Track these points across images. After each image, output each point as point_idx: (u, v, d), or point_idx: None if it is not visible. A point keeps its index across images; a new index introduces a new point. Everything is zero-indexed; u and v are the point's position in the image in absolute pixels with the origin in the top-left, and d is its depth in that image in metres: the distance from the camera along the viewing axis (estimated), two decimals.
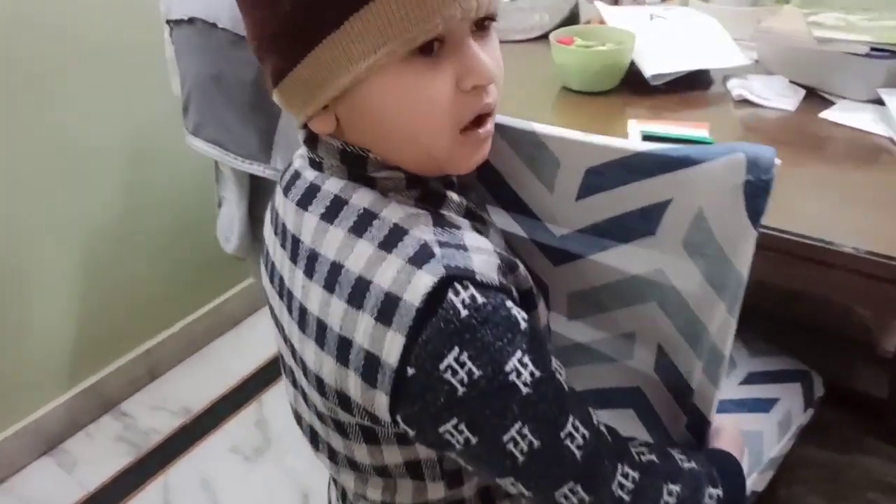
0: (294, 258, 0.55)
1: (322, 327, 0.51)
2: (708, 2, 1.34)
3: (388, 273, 0.47)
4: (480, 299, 0.45)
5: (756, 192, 0.47)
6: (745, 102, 1.09)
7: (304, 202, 0.55)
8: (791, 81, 1.09)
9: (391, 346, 0.45)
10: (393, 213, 0.50)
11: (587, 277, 0.62)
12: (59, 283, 1.50)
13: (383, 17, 0.45)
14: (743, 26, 1.23)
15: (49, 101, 1.37)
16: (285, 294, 0.56)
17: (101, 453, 1.55)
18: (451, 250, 0.48)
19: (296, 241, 0.55)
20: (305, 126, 0.54)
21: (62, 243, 1.48)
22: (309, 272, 0.52)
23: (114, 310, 1.61)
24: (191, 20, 0.98)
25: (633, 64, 1.16)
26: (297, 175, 0.58)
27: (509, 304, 0.47)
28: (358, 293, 0.48)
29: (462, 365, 0.44)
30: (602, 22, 1.26)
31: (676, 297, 0.57)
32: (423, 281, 0.45)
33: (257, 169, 1.04)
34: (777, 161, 0.47)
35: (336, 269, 0.50)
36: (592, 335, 0.67)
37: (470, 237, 0.51)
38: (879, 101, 0.94)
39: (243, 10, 0.51)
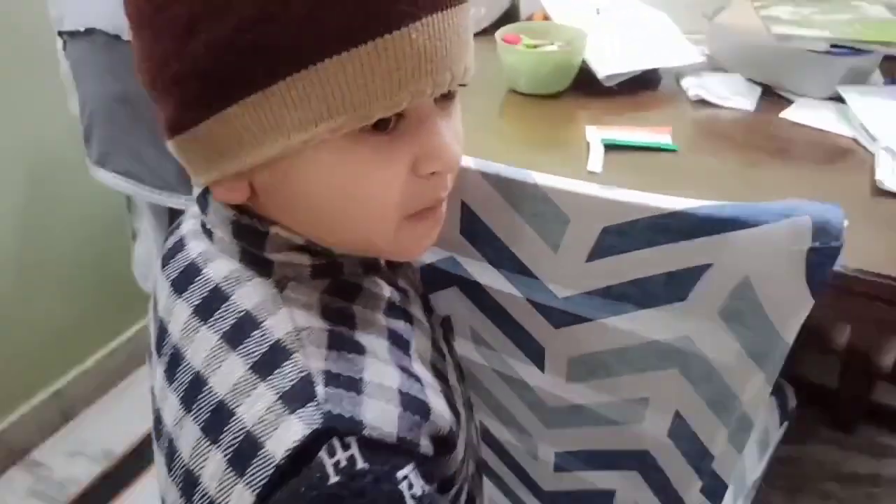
0: (159, 348, 0.46)
1: (172, 449, 0.42)
2: None
3: (255, 407, 0.38)
4: (360, 465, 0.36)
5: (822, 260, 0.40)
6: (703, 102, 1.06)
7: (180, 284, 0.45)
8: (747, 79, 1.07)
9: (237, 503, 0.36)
10: (279, 323, 0.40)
11: (593, 341, 0.56)
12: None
13: (333, 84, 0.35)
14: (689, 19, 1.19)
15: None
16: (156, 374, 0.46)
17: None
18: (338, 391, 0.38)
19: (163, 330, 0.45)
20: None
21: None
22: (169, 376, 0.43)
23: (16, 348, 1.45)
24: (88, 31, 0.83)
25: (583, 63, 1.11)
26: (180, 244, 0.48)
27: (401, 473, 0.37)
28: (216, 422, 0.39)
29: None
30: (546, 17, 1.19)
31: (704, 365, 0.51)
32: (293, 431, 0.36)
33: (177, 202, 0.91)
34: (846, 222, 0.41)
35: (198, 383, 0.41)
36: (595, 398, 0.61)
37: (372, 369, 0.41)
38: (839, 99, 0.93)
39: (134, 30, 0.39)
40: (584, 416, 0.63)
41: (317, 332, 0.41)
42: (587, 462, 0.68)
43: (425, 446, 0.40)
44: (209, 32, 0.35)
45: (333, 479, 0.35)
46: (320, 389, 0.37)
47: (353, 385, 0.39)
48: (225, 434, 0.38)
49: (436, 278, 0.61)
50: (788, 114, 0.96)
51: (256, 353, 0.39)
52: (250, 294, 0.42)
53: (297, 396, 0.37)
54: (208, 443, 0.38)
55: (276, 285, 0.43)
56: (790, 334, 0.45)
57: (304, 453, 0.36)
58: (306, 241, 0.44)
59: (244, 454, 0.37)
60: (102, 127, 0.91)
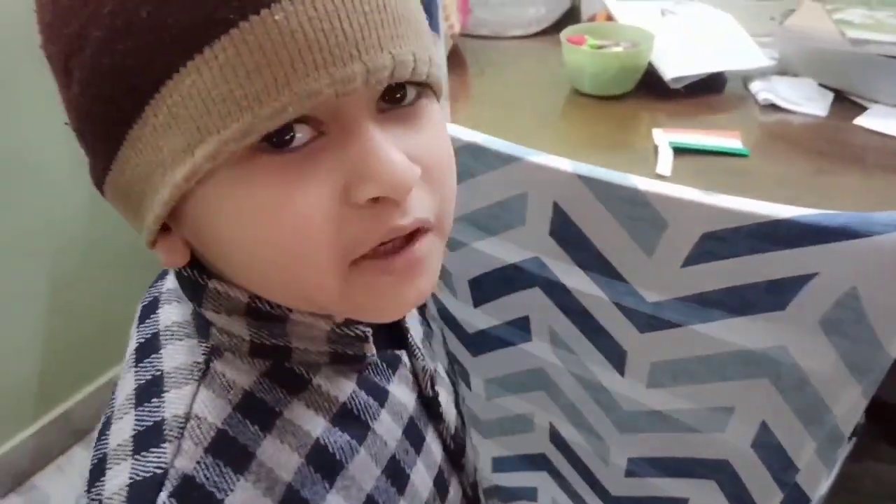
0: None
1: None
2: None
3: (113, 482, 0.33)
4: None
5: None
6: (772, 107, 1.04)
7: (144, 313, 0.40)
8: (819, 84, 1.04)
9: None
10: (176, 401, 0.34)
11: (680, 347, 0.55)
12: (24, 303, 1.38)
13: (194, 97, 0.28)
14: (756, 22, 1.18)
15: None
16: None
17: (74, 489, 1.43)
18: None
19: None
20: None
21: (28, 260, 1.36)
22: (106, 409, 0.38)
23: (81, 331, 1.49)
24: None
25: (649, 65, 1.10)
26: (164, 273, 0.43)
27: None
28: (93, 476, 0.34)
29: None
30: (610, 18, 1.18)
31: (797, 375, 0.50)
32: None
33: None
34: None
35: (105, 426, 0.36)
36: (676, 405, 0.60)
37: (241, 494, 0.33)
38: None
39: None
40: (662, 421, 0.63)
41: (206, 427, 0.34)
42: (661, 469, 0.67)
43: None
44: (78, 69, 0.30)
45: None
46: (163, 498, 0.31)
47: None
48: (91, 494, 0.34)
49: (518, 278, 0.61)
50: (862, 121, 0.94)
51: (143, 424, 0.34)
52: (174, 355, 0.36)
53: (141, 492, 0.32)
54: (84, 493, 0.34)
55: (207, 353, 0.36)
56: (894, 348, 0.44)
57: None
58: (250, 298, 0.36)
59: None
60: None
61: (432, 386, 0.46)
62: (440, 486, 0.46)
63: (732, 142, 0.95)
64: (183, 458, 0.33)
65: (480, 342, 0.74)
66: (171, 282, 0.41)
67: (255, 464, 0.34)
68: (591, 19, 1.27)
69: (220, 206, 0.31)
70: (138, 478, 0.32)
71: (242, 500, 0.33)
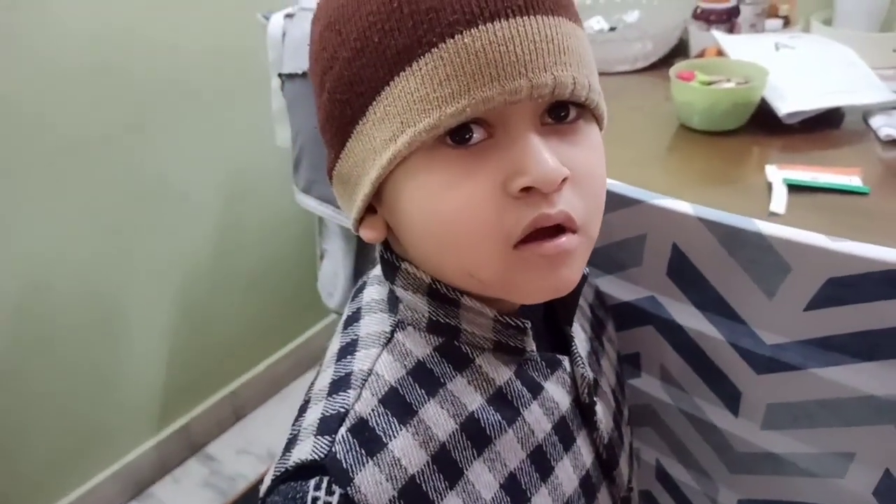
0: None
1: None
2: (832, 26, 1.25)
3: (311, 416, 0.42)
4: None
5: None
6: (894, 143, 1.00)
7: (354, 294, 0.50)
8: None
9: (264, 485, 0.41)
10: (364, 359, 0.43)
11: (799, 390, 0.55)
12: (151, 326, 1.49)
13: (402, 100, 0.37)
14: (877, 54, 1.14)
15: (149, 147, 1.36)
16: None
17: (188, 500, 1.52)
18: (355, 442, 0.39)
19: None
20: None
21: (156, 285, 1.47)
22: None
23: (202, 350, 1.59)
24: (305, 74, 0.92)
25: (762, 100, 1.08)
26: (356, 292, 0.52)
27: None
28: (300, 411, 0.44)
29: None
30: (720, 53, 1.18)
31: None
32: (305, 450, 0.39)
33: None
34: None
35: (316, 376, 0.46)
36: (792, 447, 0.60)
37: (403, 442, 0.40)
38: None
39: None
40: (776, 464, 0.62)
41: (382, 383, 0.42)
42: None
43: None
44: (329, 82, 0.40)
45: None
46: (342, 431, 0.39)
47: (373, 445, 0.39)
48: (296, 424, 0.43)
49: (632, 316, 0.63)
50: None
51: (338, 374, 0.43)
52: (369, 324, 0.46)
53: (327, 425, 0.40)
54: (292, 424, 0.43)
55: (394, 325, 0.45)
56: None
57: (306, 470, 0.38)
58: (432, 280, 0.44)
59: (287, 447, 0.41)
60: (311, 158, 1.00)
61: (589, 394, 0.51)
62: (587, 488, 0.50)
63: (852, 179, 0.93)
64: (362, 403, 0.41)
65: None
66: (368, 294, 0.49)
67: (416, 420, 0.41)
68: (700, 55, 1.27)
69: (408, 186, 0.40)
70: (327, 414, 0.41)
71: (402, 446, 0.40)
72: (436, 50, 0.36)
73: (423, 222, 0.40)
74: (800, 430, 0.58)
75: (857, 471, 0.57)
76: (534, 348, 0.47)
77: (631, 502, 0.57)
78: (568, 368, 0.50)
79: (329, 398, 0.42)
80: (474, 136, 0.38)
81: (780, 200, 0.90)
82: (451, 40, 0.36)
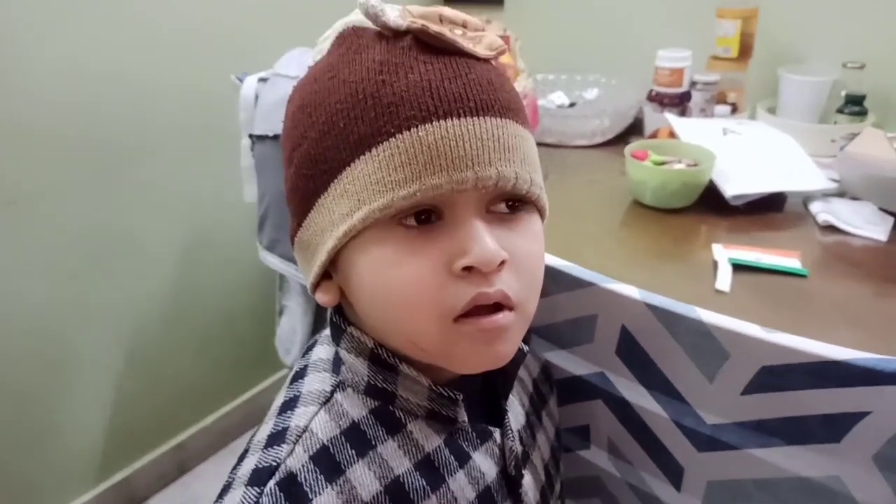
0: None
1: None
2: (776, 115, 1.33)
3: (246, 465, 0.44)
4: None
5: None
6: (832, 228, 1.06)
7: (305, 351, 0.53)
8: (879, 208, 1.07)
9: None
10: (302, 416, 0.46)
11: (737, 469, 0.58)
12: (99, 374, 1.45)
13: (360, 180, 0.41)
14: (816, 143, 1.22)
15: (111, 195, 1.36)
16: None
17: None
18: (282, 496, 0.42)
19: None
20: None
21: (108, 332, 1.44)
22: None
23: (150, 401, 1.56)
24: (276, 136, 0.95)
25: (709, 181, 1.14)
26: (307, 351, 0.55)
27: None
28: (239, 460, 0.46)
29: None
30: (672, 134, 1.25)
31: None
32: (234, 499, 0.42)
33: None
34: None
35: (258, 429, 0.48)
36: None
37: (326, 499, 0.42)
38: None
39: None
40: None
41: (315, 440, 0.44)
42: None
43: None
44: (297, 157, 0.44)
45: None
46: (271, 484, 0.42)
47: (298, 500, 0.42)
48: (232, 472, 0.45)
49: (583, 390, 0.65)
50: None
51: (277, 428, 0.45)
52: (313, 381, 0.48)
53: (258, 476, 0.42)
54: (229, 473, 0.46)
55: (335, 385, 0.48)
56: None
57: None
58: (374, 345, 0.47)
59: (221, 494, 0.44)
60: (275, 218, 1.02)
61: (516, 466, 0.53)
62: None
63: (792, 261, 0.98)
64: (293, 458, 0.43)
65: None
66: (317, 353, 0.52)
67: (343, 479, 0.44)
68: (654, 135, 1.33)
69: (361, 259, 0.43)
70: (260, 466, 0.43)
71: (325, 503, 0.42)
72: (393, 139, 0.40)
73: (373, 292, 0.44)
74: None
75: None
76: (465, 419, 0.50)
77: None
78: (498, 440, 0.52)
79: (264, 450, 0.44)
80: (422, 218, 0.42)
81: (725, 279, 0.94)
82: (407, 132, 0.40)
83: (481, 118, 0.41)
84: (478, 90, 0.42)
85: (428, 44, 0.43)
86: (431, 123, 0.40)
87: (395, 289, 0.42)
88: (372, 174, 0.41)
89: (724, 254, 1.01)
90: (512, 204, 0.44)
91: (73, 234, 1.32)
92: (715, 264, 0.99)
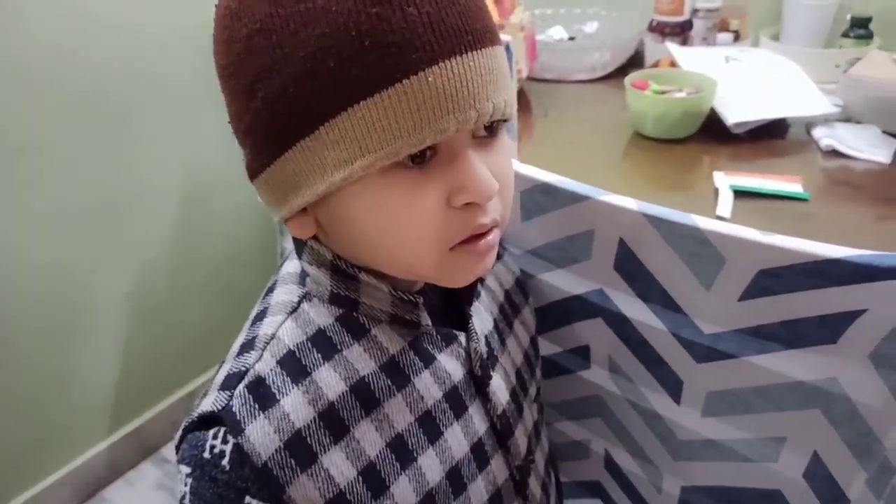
0: None
1: None
2: (779, 42, 1.30)
3: (219, 374, 0.46)
4: (224, 463, 0.42)
5: None
6: (834, 153, 1.05)
7: (277, 269, 0.54)
8: (883, 131, 1.06)
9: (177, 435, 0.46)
10: (270, 324, 0.47)
11: (735, 378, 0.58)
12: (108, 326, 1.47)
13: (362, 127, 0.39)
14: (820, 69, 1.20)
15: (110, 149, 1.36)
16: None
17: (141, 502, 1.50)
18: (249, 397, 0.43)
19: None
20: None
21: (114, 285, 1.45)
22: None
23: (159, 351, 1.58)
24: None
25: (711, 110, 1.13)
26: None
27: (248, 499, 0.42)
28: (213, 377, 0.48)
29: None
30: (673, 64, 1.23)
31: (849, 407, 0.53)
32: (207, 402, 0.44)
33: None
34: None
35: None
36: (729, 434, 0.63)
37: (293, 399, 0.44)
38: None
39: (224, 94, 0.45)
40: (715, 450, 0.65)
41: (282, 346, 0.46)
42: (714, 497, 0.69)
43: (303, 497, 0.43)
44: (264, 90, 0.40)
45: (205, 455, 0.42)
46: (240, 387, 0.44)
47: (265, 401, 0.43)
48: (211, 382, 0.47)
49: (582, 309, 0.66)
50: None
51: (247, 337, 0.47)
52: (281, 294, 0.50)
53: (229, 381, 0.44)
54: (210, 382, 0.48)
55: (301, 296, 0.49)
56: None
57: (207, 421, 0.43)
58: (334, 257, 0.48)
59: (199, 400, 0.46)
60: None
61: (482, 367, 0.55)
62: (479, 454, 0.54)
63: (793, 186, 0.97)
64: (262, 363, 0.45)
65: (541, 369, 0.78)
66: (285, 268, 0.53)
67: (309, 380, 0.46)
68: (655, 65, 1.31)
69: (361, 202, 0.43)
70: (231, 372, 0.45)
71: (292, 402, 0.44)
72: (399, 85, 0.38)
73: (375, 232, 0.44)
74: (736, 417, 0.61)
75: (789, 454, 0.60)
76: (429, 322, 0.52)
77: (529, 473, 0.61)
78: (463, 343, 0.54)
79: (236, 358, 0.46)
80: (419, 156, 0.41)
81: (726, 205, 0.94)
82: (415, 77, 0.38)
83: (478, 51, 0.40)
84: (470, 18, 0.41)
85: None
86: (438, 64, 0.39)
87: (400, 228, 0.43)
88: (376, 121, 0.39)
89: (725, 181, 1.01)
90: (491, 125, 0.45)
91: (75, 190, 1.33)
92: (716, 192, 0.99)
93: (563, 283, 0.66)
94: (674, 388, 0.64)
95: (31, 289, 1.31)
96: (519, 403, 0.60)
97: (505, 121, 0.45)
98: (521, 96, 1.31)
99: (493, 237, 0.46)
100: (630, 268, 0.59)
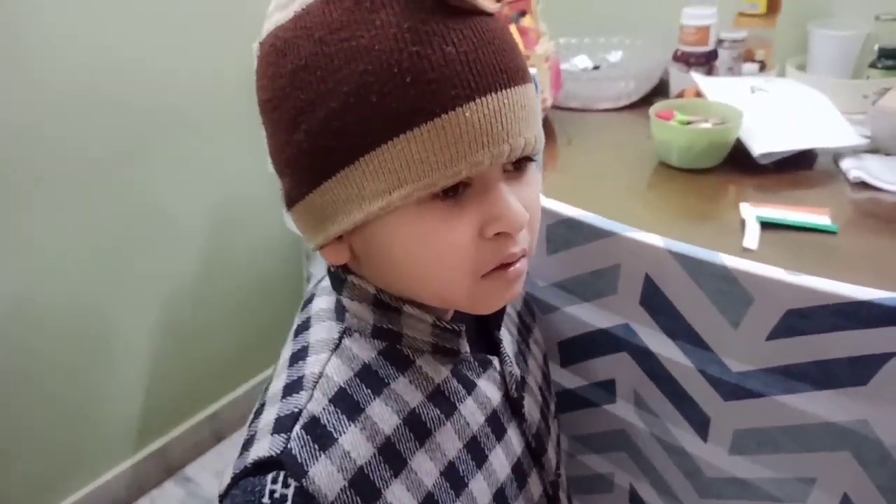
0: None
1: None
2: (805, 72, 1.30)
3: (267, 417, 0.46)
4: (289, 503, 0.41)
5: None
6: (863, 185, 1.04)
7: (303, 305, 0.55)
8: None
9: (222, 484, 0.44)
10: (315, 363, 0.47)
11: (764, 417, 0.58)
12: (135, 346, 1.49)
13: (401, 159, 0.40)
14: (848, 99, 1.19)
15: (141, 171, 1.39)
16: None
17: None
18: (308, 437, 0.43)
19: None
20: None
21: (141, 305, 1.48)
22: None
23: (184, 372, 1.60)
24: None
25: (737, 140, 1.12)
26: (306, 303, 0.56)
27: None
28: (256, 414, 0.48)
29: None
30: (699, 94, 1.23)
31: (879, 450, 0.52)
32: (262, 447, 0.43)
33: None
34: None
35: (269, 380, 0.50)
36: (757, 473, 0.62)
37: (353, 436, 0.44)
38: None
39: (265, 127, 0.47)
40: (743, 489, 0.64)
41: (332, 384, 0.46)
42: None
43: None
44: (308, 123, 0.42)
45: (264, 501, 0.41)
46: (297, 428, 0.43)
47: (324, 440, 0.43)
48: (251, 426, 0.46)
49: (607, 343, 0.65)
50: None
51: (291, 378, 0.47)
52: (319, 331, 0.50)
53: (282, 424, 0.44)
54: (246, 427, 0.47)
55: (341, 332, 0.49)
56: None
57: (263, 467, 0.42)
58: (377, 291, 0.49)
59: (245, 447, 0.45)
60: None
61: (517, 389, 0.56)
62: (518, 474, 0.55)
63: (821, 218, 0.96)
64: (314, 403, 0.45)
65: (565, 401, 0.78)
66: (317, 304, 0.54)
67: (364, 416, 0.46)
68: (680, 95, 1.31)
69: (397, 231, 0.44)
70: (282, 414, 0.45)
71: (351, 440, 0.44)
72: (438, 119, 0.40)
73: (410, 261, 0.45)
74: (764, 456, 0.61)
75: (818, 495, 0.59)
76: (468, 350, 0.53)
77: (559, 487, 0.62)
78: (498, 367, 0.55)
79: (283, 400, 0.46)
80: (452, 189, 0.43)
81: (752, 237, 0.93)
82: (453, 112, 0.40)
83: (511, 89, 0.42)
84: (505, 57, 0.42)
85: (447, 2, 0.41)
86: (475, 101, 0.40)
87: (435, 258, 0.44)
88: (415, 154, 0.40)
89: (751, 212, 1.00)
90: (520, 160, 0.46)
91: (105, 211, 1.35)
92: (742, 223, 0.98)
93: (589, 316, 0.66)
94: (700, 425, 0.63)
95: (57, 308, 1.34)
96: (546, 421, 0.62)
97: (533, 156, 0.46)
98: (546, 125, 1.31)
99: (522, 265, 0.47)
100: (656, 303, 0.58)
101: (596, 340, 0.67)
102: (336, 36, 0.41)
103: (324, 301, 0.53)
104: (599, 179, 1.14)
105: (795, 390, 0.54)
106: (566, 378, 0.75)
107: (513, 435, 0.56)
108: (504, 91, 0.42)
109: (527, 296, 0.71)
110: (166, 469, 1.61)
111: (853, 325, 0.48)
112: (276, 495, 0.41)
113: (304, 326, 0.52)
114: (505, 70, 0.42)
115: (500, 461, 0.53)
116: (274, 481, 0.41)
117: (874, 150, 1.11)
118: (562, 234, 0.60)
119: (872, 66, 1.22)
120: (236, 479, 0.43)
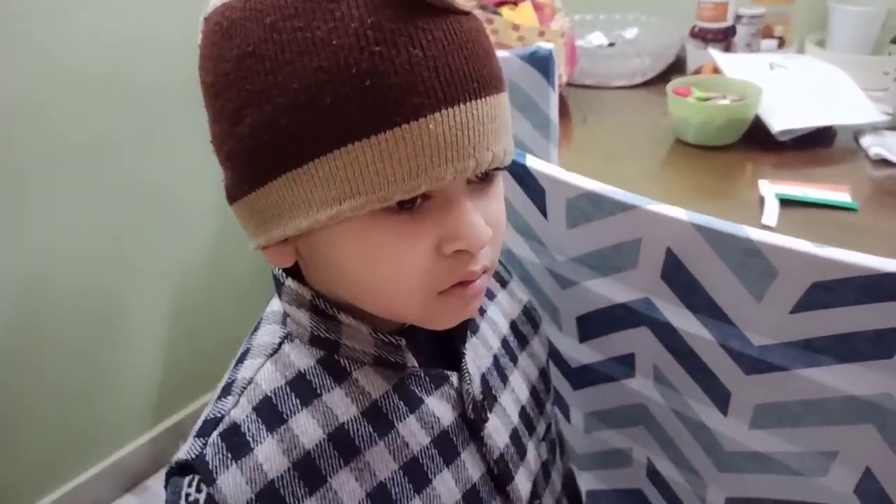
0: None
1: None
2: (825, 48, 1.28)
3: (201, 418, 0.46)
4: None
5: None
6: (884, 162, 1.04)
7: (267, 305, 0.54)
8: None
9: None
10: (249, 368, 0.47)
11: (785, 391, 0.57)
12: (149, 326, 1.52)
13: (354, 168, 0.37)
14: (868, 76, 1.18)
15: (151, 153, 1.41)
16: None
17: None
18: (223, 445, 0.43)
19: None
20: None
21: (155, 286, 1.51)
22: None
23: (197, 351, 1.63)
24: None
25: (755, 117, 1.12)
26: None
27: None
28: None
29: None
30: (716, 70, 1.22)
31: None
32: (183, 450, 0.44)
33: None
34: None
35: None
36: (778, 447, 0.62)
37: (268, 448, 0.43)
38: None
39: (207, 111, 0.43)
40: (763, 463, 0.64)
41: (259, 392, 0.45)
42: None
43: None
44: (252, 117, 0.38)
45: (181, 503, 0.42)
46: (215, 434, 0.43)
47: (239, 450, 0.43)
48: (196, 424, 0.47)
49: (626, 317, 0.65)
50: None
51: (227, 380, 0.47)
52: (263, 334, 0.49)
53: (205, 428, 0.44)
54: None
55: (283, 337, 0.48)
56: None
57: (184, 469, 0.43)
58: (313, 296, 0.46)
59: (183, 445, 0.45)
60: None
61: (475, 409, 0.52)
62: (472, 502, 0.51)
63: (841, 195, 0.96)
64: (238, 410, 0.45)
65: (582, 376, 0.78)
66: (271, 305, 0.53)
67: (284, 428, 0.45)
68: (697, 72, 1.30)
69: (347, 243, 0.41)
70: (208, 417, 0.45)
71: (265, 452, 0.43)
72: (398, 129, 0.36)
73: (360, 273, 0.43)
74: (785, 430, 0.60)
75: (840, 469, 0.59)
76: (415, 364, 0.50)
77: None
78: (455, 384, 0.52)
79: (215, 403, 0.46)
80: (409, 202, 0.40)
81: (771, 214, 0.93)
82: (415, 122, 0.36)
83: (482, 99, 0.39)
84: (477, 63, 0.39)
85: None
86: (441, 112, 0.37)
87: (387, 273, 0.42)
88: (370, 164, 0.37)
89: (770, 189, 1.00)
90: (490, 174, 0.44)
91: (115, 193, 1.38)
92: (761, 200, 0.98)
93: (608, 291, 0.66)
94: (721, 399, 0.63)
95: (72, 288, 1.36)
96: (521, 445, 0.58)
97: (502, 169, 0.44)
98: (561, 102, 1.31)
99: (482, 283, 0.45)
100: (678, 277, 0.58)
101: (615, 315, 0.66)
102: (289, 24, 0.37)
103: (276, 302, 0.51)
104: (614, 157, 1.14)
105: (818, 363, 0.54)
106: (584, 353, 0.75)
107: (468, 459, 0.52)
108: (474, 102, 0.38)
109: (528, 304, 0.67)
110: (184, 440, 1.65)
111: (879, 297, 0.48)
112: (191, 499, 0.42)
113: (257, 327, 0.51)
114: (476, 78, 0.39)
115: (448, 487, 0.50)
116: (189, 485, 0.42)
117: (895, 126, 1.10)
118: (581, 208, 0.60)
119: (894, 42, 1.21)
120: (168, 476, 0.45)
